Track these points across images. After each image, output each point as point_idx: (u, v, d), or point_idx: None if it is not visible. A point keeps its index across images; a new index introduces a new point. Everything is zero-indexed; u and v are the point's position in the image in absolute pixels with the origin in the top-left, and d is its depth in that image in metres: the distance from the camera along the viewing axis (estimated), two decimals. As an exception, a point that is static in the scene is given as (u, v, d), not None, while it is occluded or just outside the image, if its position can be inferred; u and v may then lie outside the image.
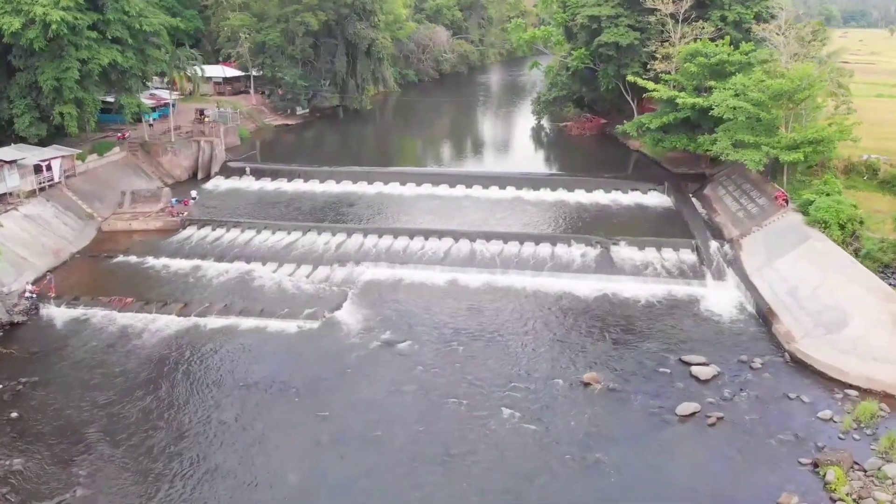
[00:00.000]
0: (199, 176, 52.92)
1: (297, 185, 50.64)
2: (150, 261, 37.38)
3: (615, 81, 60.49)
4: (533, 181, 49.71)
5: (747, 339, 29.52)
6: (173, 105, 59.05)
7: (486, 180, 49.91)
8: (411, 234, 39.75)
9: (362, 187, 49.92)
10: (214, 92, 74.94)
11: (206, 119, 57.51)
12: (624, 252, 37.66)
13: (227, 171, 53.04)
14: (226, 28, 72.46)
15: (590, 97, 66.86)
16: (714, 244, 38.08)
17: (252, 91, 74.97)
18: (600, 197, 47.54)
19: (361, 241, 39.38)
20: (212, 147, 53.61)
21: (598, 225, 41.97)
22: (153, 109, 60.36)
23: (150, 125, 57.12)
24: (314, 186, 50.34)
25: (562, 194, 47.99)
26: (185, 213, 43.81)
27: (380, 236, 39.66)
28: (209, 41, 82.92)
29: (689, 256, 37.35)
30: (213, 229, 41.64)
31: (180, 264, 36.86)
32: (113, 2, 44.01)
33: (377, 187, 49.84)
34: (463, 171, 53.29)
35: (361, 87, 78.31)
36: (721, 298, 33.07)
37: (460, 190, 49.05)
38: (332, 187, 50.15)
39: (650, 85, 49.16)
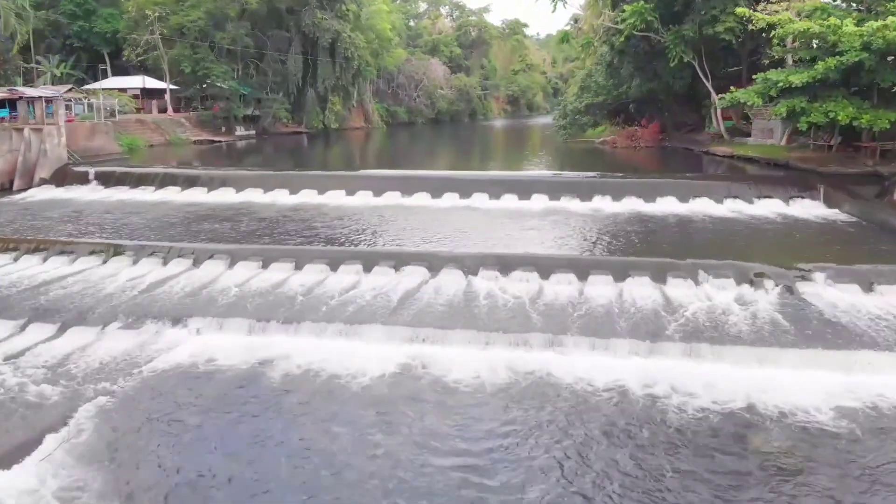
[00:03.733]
0: (17, 183, 31.83)
1: (167, 195, 29.43)
2: None
3: (688, 58, 39.96)
4: (579, 185, 28.34)
5: None
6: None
7: (497, 186, 28.46)
8: (335, 259, 17.99)
9: (277, 196, 28.63)
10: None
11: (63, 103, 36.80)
12: (832, 296, 15.71)
13: (64, 178, 32.10)
14: (131, 9, 52.55)
15: (643, 91, 45.99)
16: None
17: (168, 98, 54.62)
18: (708, 207, 26.01)
19: (220, 271, 17.60)
20: (42, 141, 32.69)
21: (727, 248, 20.23)
22: (4, 105, 40.42)
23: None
24: (195, 195, 29.09)
25: (634, 204, 26.47)
26: None
27: (263, 265, 17.87)
28: (133, 49, 63.84)
29: (982, 304, 15.46)
30: (-68, 255, 20.10)
31: None
32: None
33: (304, 196, 28.50)
34: (455, 175, 31.89)
35: (324, 98, 58.00)
36: None
37: (450, 199, 27.63)
38: (225, 196, 28.90)
39: (785, 17, 28.25)
